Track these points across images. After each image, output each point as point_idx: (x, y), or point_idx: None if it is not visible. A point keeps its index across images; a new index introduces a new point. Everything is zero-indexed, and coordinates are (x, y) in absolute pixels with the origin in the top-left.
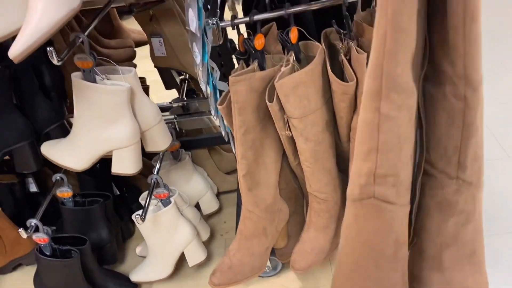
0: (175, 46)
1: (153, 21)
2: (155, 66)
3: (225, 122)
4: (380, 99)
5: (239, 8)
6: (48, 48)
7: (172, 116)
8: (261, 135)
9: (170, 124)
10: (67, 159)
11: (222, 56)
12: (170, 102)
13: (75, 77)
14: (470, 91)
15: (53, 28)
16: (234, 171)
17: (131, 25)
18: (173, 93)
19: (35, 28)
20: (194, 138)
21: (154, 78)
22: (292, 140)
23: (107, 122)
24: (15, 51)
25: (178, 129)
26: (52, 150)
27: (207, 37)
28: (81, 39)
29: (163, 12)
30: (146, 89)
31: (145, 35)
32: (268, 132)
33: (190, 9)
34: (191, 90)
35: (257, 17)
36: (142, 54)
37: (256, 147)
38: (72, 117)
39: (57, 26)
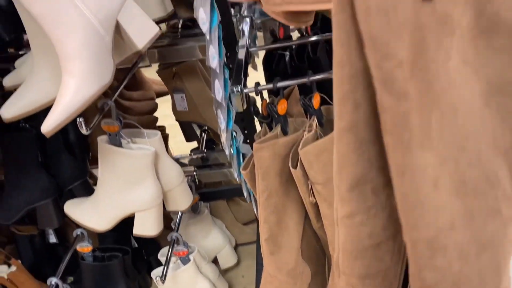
0: (197, 101)
1: (176, 78)
2: (177, 120)
3: (248, 185)
4: (337, 199)
5: (258, 62)
6: (78, 119)
7: (192, 169)
8: (283, 199)
9: (189, 177)
10: (89, 219)
11: (245, 119)
12: (190, 154)
13: (101, 141)
14: None
15: (85, 104)
16: (253, 221)
17: (151, 73)
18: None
19: (67, 104)
20: (213, 190)
21: (172, 122)
22: (315, 204)
23: (131, 184)
24: (48, 127)
25: (197, 182)
26: (75, 210)
27: (231, 104)
28: (109, 106)
29: (185, 69)
30: (165, 137)
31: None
32: (291, 196)
33: (216, 80)
34: (211, 140)
35: (280, 84)
36: (162, 99)
37: (279, 211)
38: (95, 168)
39: (89, 102)
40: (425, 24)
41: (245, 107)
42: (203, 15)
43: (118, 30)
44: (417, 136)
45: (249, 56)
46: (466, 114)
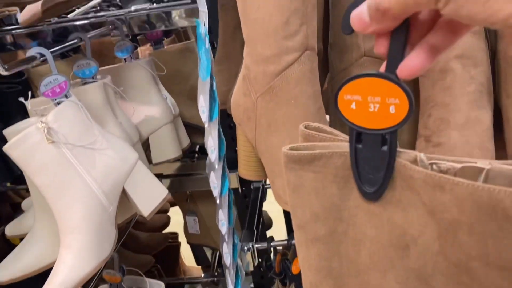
0: (209, 225)
1: (189, 201)
2: (188, 242)
3: None
4: None
5: None
6: None
7: None
8: None
9: None
10: None
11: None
12: (201, 276)
13: None
14: None
15: (81, 282)
16: None
17: None
18: None
19: (61, 283)
20: None
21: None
22: None
23: None
24: None
25: None
26: None
27: (242, 263)
28: (110, 256)
29: (200, 192)
30: (177, 246)
31: None
32: None
33: (225, 244)
34: None
35: None
36: None
37: None
38: None
39: (85, 279)
40: (361, 220)
41: (255, 264)
42: (214, 181)
43: (123, 192)
44: None
45: (264, 193)
46: None
